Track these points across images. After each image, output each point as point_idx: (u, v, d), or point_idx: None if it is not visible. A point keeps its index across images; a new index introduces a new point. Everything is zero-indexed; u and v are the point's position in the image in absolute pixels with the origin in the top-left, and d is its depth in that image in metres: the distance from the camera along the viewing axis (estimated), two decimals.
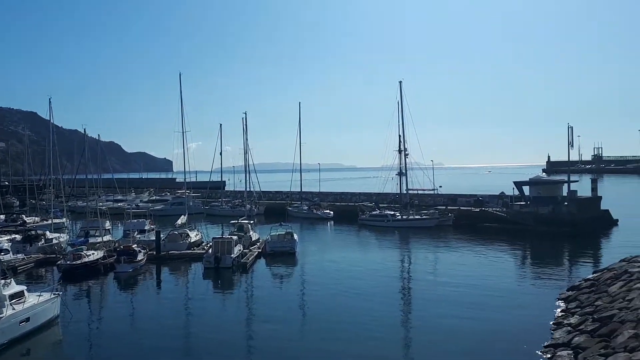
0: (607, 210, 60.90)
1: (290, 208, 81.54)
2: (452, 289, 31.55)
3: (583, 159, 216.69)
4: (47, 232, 51.66)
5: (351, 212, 74.21)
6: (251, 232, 51.45)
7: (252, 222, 56.49)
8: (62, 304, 27.89)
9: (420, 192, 73.62)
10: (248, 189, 78.92)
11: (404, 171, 70.82)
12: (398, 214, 67.68)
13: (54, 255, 44.82)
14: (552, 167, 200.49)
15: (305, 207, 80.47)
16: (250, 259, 42.13)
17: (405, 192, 71.28)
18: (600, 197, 62.01)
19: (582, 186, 66.29)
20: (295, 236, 48.58)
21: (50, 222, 60.12)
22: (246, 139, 74.12)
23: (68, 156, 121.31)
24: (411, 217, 65.99)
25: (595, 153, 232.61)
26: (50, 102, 61.50)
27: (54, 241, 49.80)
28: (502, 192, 69.82)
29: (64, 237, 53.73)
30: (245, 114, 74.45)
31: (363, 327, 24.55)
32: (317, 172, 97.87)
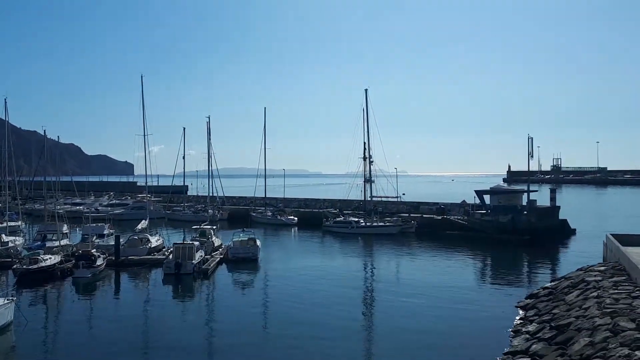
0: (565, 220, 62.37)
1: (254, 214, 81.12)
2: (412, 297, 31.77)
3: (542, 169, 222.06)
4: (3, 235, 50.19)
5: (315, 218, 74.23)
6: (214, 238, 50.96)
7: (214, 227, 56.02)
8: (17, 309, 27.08)
9: (384, 199, 74.13)
10: (211, 194, 78.40)
11: (368, 178, 71.24)
12: (362, 221, 68.03)
13: (9, 260, 43.52)
14: (513, 176, 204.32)
15: (270, 213, 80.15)
16: (212, 265, 41.69)
17: (369, 199, 71.70)
18: (559, 207, 63.51)
19: (542, 196, 67.79)
20: (258, 242, 48.34)
21: (5, 224, 58.44)
22: (210, 143, 73.97)
23: (26, 158, 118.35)
24: (375, 224, 66.41)
25: (555, 164, 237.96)
26: (5, 102, 60.17)
27: (10, 244, 48.40)
28: (464, 201, 70.83)
29: (19, 240, 52.32)
30: (209, 117, 74.74)
31: (323, 335, 24.48)
32: (282, 177, 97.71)
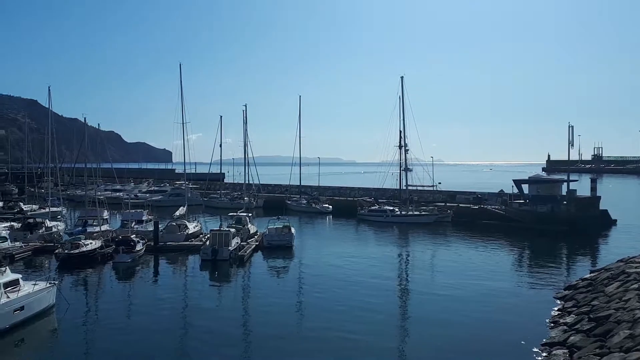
0: (606, 210, 60.91)
1: (289, 202, 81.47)
2: (449, 286, 31.59)
3: (583, 158, 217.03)
4: (47, 221, 51.63)
5: (350, 206, 74.22)
6: (249, 225, 51.43)
7: (250, 215, 56.51)
8: (59, 293, 27.87)
9: (419, 188, 73.69)
10: (247, 182, 78.97)
11: (406, 167, 70.69)
12: (397, 210, 67.70)
13: (52, 244, 44.80)
14: (552, 166, 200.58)
15: (304, 201, 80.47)
16: (247, 251, 42.13)
17: (404, 188, 71.25)
18: (599, 197, 62.00)
19: (582, 186, 66.29)
20: (293, 230, 48.58)
21: (47, 210, 60.10)
22: (246, 131, 74.27)
23: (67, 145, 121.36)
24: (410, 213, 66.02)
25: (595, 153, 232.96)
26: (49, 90, 61.59)
27: (52, 230, 49.78)
28: (502, 190, 69.84)
29: (61, 225, 53.77)
30: (246, 106, 74.62)
31: (360, 320, 24.61)
32: (316, 166, 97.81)
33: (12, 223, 50.79)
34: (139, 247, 41.37)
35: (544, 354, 19.57)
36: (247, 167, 76.61)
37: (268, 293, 31.00)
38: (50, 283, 27.17)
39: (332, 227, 65.73)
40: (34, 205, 69.20)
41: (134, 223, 49.24)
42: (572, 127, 63.49)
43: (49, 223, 51.03)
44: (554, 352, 19.24)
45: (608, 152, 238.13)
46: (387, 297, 29.38)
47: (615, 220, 60.39)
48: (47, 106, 63.22)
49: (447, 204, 69.48)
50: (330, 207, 76.90)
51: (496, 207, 64.34)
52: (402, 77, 69.31)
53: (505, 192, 67.86)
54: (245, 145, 74.62)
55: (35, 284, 26.11)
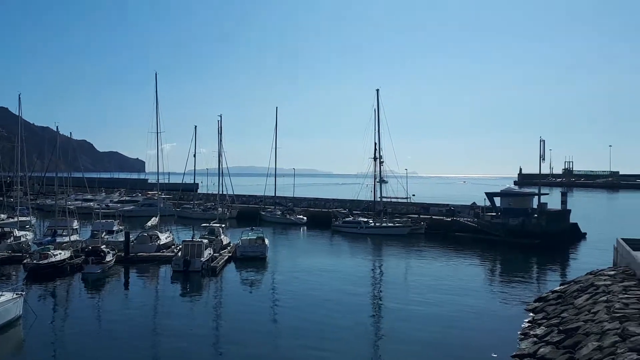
0: (576, 224, 61.88)
1: (263, 212, 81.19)
2: (421, 301, 31.49)
3: (554, 172, 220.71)
4: (15, 230, 50.60)
5: (325, 218, 74.21)
6: (222, 236, 51.03)
7: (223, 225, 56.10)
8: (26, 304, 27.24)
9: (393, 200, 74.14)
10: (221, 192, 78.58)
11: (381, 179, 71.10)
12: (371, 221, 67.93)
13: (20, 254, 43.86)
14: (524, 179, 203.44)
15: (279, 212, 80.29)
16: (220, 263, 41.79)
17: (379, 199, 71.58)
18: (570, 210, 63.03)
19: (552, 199, 67.40)
20: (267, 241, 48.38)
21: (16, 219, 58.91)
22: (220, 142, 74.09)
23: (39, 153, 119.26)
24: (384, 224, 66.29)
25: (566, 167, 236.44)
26: (19, 98, 60.57)
27: (21, 239, 48.78)
28: (474, 203, 70.54)
29: (30, 235, 52.73)
30: (221, 116, 74.49)
31: (331, 335, 24.49)
32: (292, 177, 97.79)
33: None
34: (109, 257, 40.75)
35: None
36: (221, 178, 76.34)
37: (240, 305, 30.75)
38: (17, 294, 26.53)
39: (306, 238, 65.64)
40: (2, 215, 67.73)
41: (104, 233, 48.49)
42: (544, 141, 64.48)
43: (17, 232, 50.01)
44: None
45: (579, 167, 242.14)
46: (360, 313, 29.03)
47: (585, 234, 61.33)
48: (17, 114, 62.24)
49: (421, 216, 69.89)
50: (305, 218, 76.82)
51: (469, 219, 64.97)
52: (377, 90, 69.96)
53: (478, 204, 68.56)
54: (219, 155, 74.51)
55: (1, 295, 25.48)
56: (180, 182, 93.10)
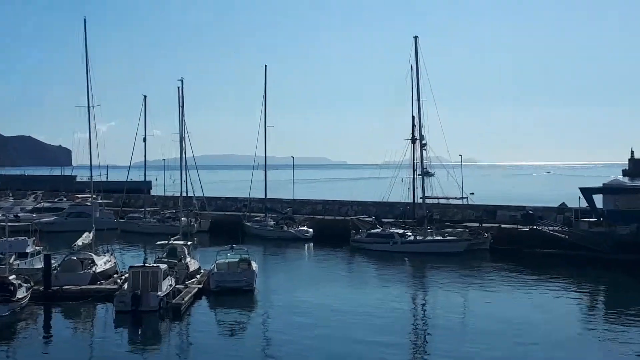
0: None
1: (248, 223, 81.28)
2: (489, 354, 31.21)
3: None
4: None
5: (340, 229, 74.05)
6: (188, 259, 51.07)
7: (190, 243, 56.08)
8: None
9: (442, 201, 73.83)
10: (185, 194, 78.45)
11: (424, 171, 70.71)
12: (410, 233, 67.68)
13: None
14: (637, 167, 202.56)
15: (272, 222, 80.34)
16: (186, 298, 41.82)
17: (420, 200, 71.27)
18: None
19: None
20: (254, 265, 48.38)
21: None
22: (182, 118, 73.25)
23: None
24: (429, 237, 66.04)
25: None
26: None
27: None
28: (563, 204, 70.29)
29: None
30: (182, 80, 73.74)
31: None
32: (289, 169, 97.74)
33: None
34: (20, 293, 40.76)
35: None
36: (185, 172, 76.08)
37: None
38: None
39: (313, 260, 65.79)
40: None
41: (13, 257, 48.57)
42: None
43: None
44: None
45: None
46: None
47: None
48: None
49: (484, 224, 69.65)
50: (311, 230, 76.73)
51: (556, 228, 64.63)
52: (415, 38, 69.59)
53: (569, 206, 68.25)
54: (181, 139, 73.89)
55: None
56: (125, 179, 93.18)
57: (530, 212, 71.54)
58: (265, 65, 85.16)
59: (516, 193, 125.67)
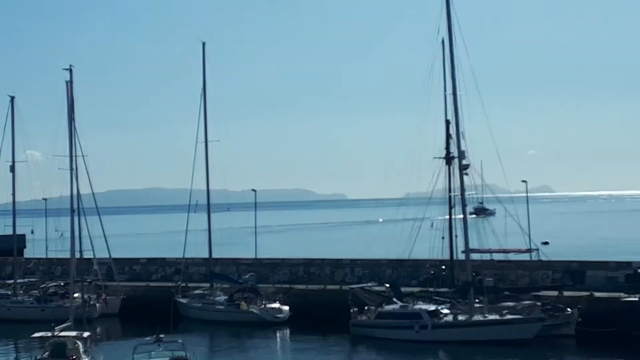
0: None
1: (184, 300, 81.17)
2: None
3: None
4: None
5: (334, 306, 73.61)
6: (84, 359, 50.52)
7: (87, 334, 55.52)
8: None
9: (498, 256, 73.60)
10: (79, 255, 78.04)
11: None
12: (447, 311, 67.13)
13: None
14: None
15: (222, 298, 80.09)
16: None
17: (463, 256, 70.86)
18: None
19: None
20: None
21: None
22: (74, 132, 72.84)
23: None
24: (479, 317, 65.56)
25: None
26: None
27: None
28: None
29: None
30: (71, 70, 73.32)
31: None
32: (250, 209, 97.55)
33: None
34: None
35: None
36: (79, 220, 75.76)
37: None
38: None
39: (290, 357, 65.16)
40: None
41: None
42: None
43: None
44: None
45: None
46: None
47: None
48: None
49: (564, 294, 69.33)
50: (286, 308, 76.50)
51: None
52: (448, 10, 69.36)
53: None
54: (72, 165, 73.29)
55: None
56: None
57: (639, 270, 71.41)
58: (204, 43, 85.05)
59: (614, 239, 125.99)
